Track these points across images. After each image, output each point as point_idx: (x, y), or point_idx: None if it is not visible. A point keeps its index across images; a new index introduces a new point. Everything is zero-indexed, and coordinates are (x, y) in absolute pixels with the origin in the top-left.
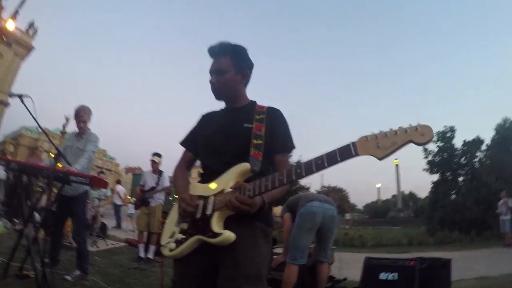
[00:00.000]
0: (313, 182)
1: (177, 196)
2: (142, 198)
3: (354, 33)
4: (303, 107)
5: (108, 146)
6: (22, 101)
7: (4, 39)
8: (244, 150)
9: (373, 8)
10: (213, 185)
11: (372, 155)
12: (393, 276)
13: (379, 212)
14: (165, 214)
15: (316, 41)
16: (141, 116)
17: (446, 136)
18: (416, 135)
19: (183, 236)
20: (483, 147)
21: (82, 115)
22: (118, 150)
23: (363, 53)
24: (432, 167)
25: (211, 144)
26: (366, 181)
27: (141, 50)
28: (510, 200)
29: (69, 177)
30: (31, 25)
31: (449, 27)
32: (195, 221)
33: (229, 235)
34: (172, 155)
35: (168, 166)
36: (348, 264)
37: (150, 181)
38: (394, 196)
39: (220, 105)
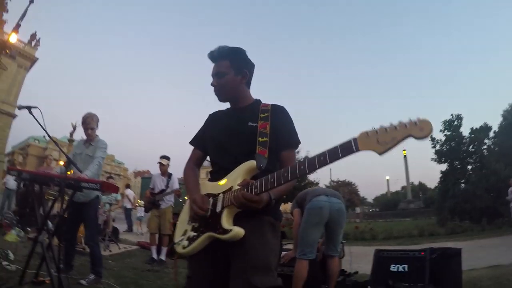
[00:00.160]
0: (322, 177)
1: (189, 196)
2: (152, 201)
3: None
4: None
5: (116, 151)
6: (31, 113)
7: (8, 52)
8: (251, 148)
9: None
10: (222, 182)
11: (372, 150)
12: (403, 267)
13: (389, 204)
14: (175, 215)
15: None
16: (148, 120)
17: (453, 124)
18: (415, 129)
19: (195, 234)
20: (491, 134)
21: (89, 122)
22: (126, 154)
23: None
24: (440, 156)
25: (218, 143)
26: (375, 174)
27: (148, 54)
28: None
29: (81, 184)
30: (33, 36)
31: (452, 14)
32: (205, 218)
33: (238, 231)
34: (180, 157)
35: (177, 169)
36: (359, 258)
37: (159, 184)
38: (403, 187)
39: (227, 105)
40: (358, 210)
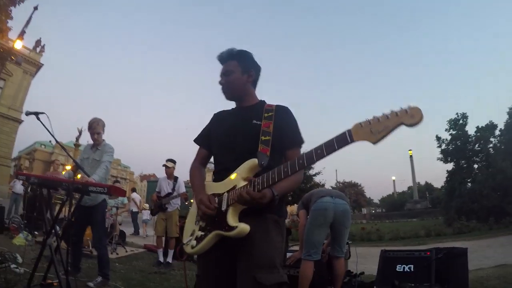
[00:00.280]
0: (328, 179)
1: (195, 196)
2: (159, 204)
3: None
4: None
5: (122, 155)
6: (38, 119)
7: (13, 58)
8: (254, 146)
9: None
10: (226, 181)
11: (366, 140)
12: (409, 267)
13: (395, 205)
14: (182, 218)
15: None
16: (154, 124)
17: (459, 123)
18: (406, 117)
19: (203, 233)
20: (497, 132)
21: (95, 127)
22: (132, 158)
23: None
24: (446, 156)
25: (223, 141)
26: (381, 175)
27: (155, 58)
28: None
29: (88, 188)
30: (38, 42)
31: (459, 12)
32: (212, 217)
33: (244, 227)
34: (186, 161)
35: (182, 172)
36: (365, 258)
37: (165, 187)
38: (410, 188)
39: (231, 105)
40: (364, 211)
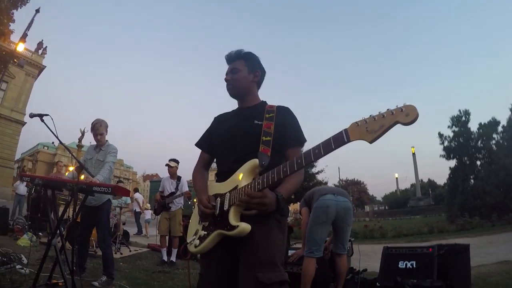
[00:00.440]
0: (330, 177)
1: (197, 198)
2: (162, 203)
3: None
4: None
5: (124, 156)
6: (42, 120)
7: (16, 61)
8: (255, 147)
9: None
10: (228, 181)
11: (363, 139)
12: (412, 264)
13: (398, 202)
14: (185, 218)
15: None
16: (157, 124)
17: (461, 120)
18: (401, 115)
19: (205, 232)
20: (499, 128)
21: (98, 128)
22: (135, 159)
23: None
24: (449, 153)
25: (224, 142)
26: (384, 172)
27: (157, 58)
28: None
29: (92, 188)
30: (40, 44)
31: (459, 7)
32: (214, 217)
33: (245, 226)
34: (189, 160)
35: (186, 172)
36: (368, 256)
37: (168, 186)
38: (412, 185)
39: (232, 107)
40: (367, 208)
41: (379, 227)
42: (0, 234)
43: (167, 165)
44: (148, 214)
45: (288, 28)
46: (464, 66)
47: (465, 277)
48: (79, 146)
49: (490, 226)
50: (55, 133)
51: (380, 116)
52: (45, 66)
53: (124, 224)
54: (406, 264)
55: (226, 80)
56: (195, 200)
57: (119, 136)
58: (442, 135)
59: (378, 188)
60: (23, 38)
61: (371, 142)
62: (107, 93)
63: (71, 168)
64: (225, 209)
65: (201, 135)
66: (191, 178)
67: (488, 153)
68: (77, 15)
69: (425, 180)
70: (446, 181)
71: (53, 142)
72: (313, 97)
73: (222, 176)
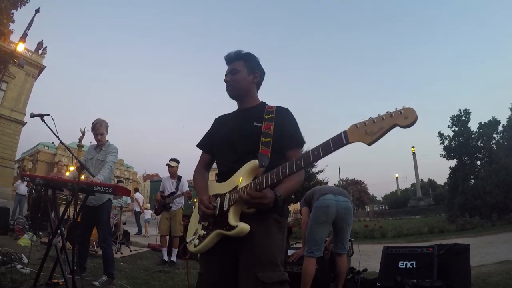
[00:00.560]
0: (331, 176)
1: (197, 198)
2: (163, 203)
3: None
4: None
5: (124, 156)
6: (43, 120)
7: (16, 61)
8: (254, 148)
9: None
10: (228, 182)
11: (361, 142)
12: (411, 263)
13: (398, 202)
14: (185, 217)
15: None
16: (156, 124)
17: (461, 120)
18: (400, 118)
19: (205, 232)
20: (500, 128)
21: (98, 128)
22: (135, 158)
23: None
24: (449, 152)
25: (225, 143)
26: (384, 172)
27: (156, 58)
28: None
29: (93, 188)
30: (40, 44)
31: (458, 7)
32: (214, 217)
33: (244, 227)
34: (189, 160)
35: (186, 171)
36: (368, 256)
37: (169, 186)
38: (413, 185)
39: (232, 109)
40: (367, 208)
41: (379, 227)
42: (0, 233)
43: (167, 165)
44: (148, 214)
45: (288, 28)
46: (464, 65)
47: (465, 277)
48: (80, 146)
49: (490, 226)
50: (55, 133)
51: (379, 118)
52: (45, 66)
53: (124, 224)
54: (406, 264)
55: (225, 81)
56: (195, 200)
57: (119, 136)
58: (442, 134)
59: (378, 188)
60: (23, 38)
61: (369, 144)
62: (107, 92)
63: (71, 168)
64: (224, 209)
65: (201, 135)
66: (191, 178)
67: (488, 153)
68: (77, 14)
69: (426, 180)
70: (446, 181)
71: (53, 142)
72: (313, 97)
73: (222, 176)
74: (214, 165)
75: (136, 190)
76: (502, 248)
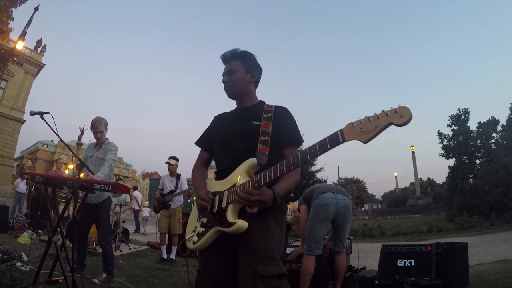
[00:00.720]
0: (330, 175)
1: (195, 194)
2: (162, 201)
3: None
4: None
5: (124, 154)
6: (43, 118)
7: (15, 59)
8: (253, 146)
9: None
10: (226, 179)
11: (357, 140)
12: (410, 262)
13: (397, 201)
14: (185, 215)
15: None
16: (155, 122)
17: (460, 119)
18: (395, 117)
19: (204, 229)
20: (499, 127)
21: (97, 126)
22: (134, 157)
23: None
24: (448, 151)
25: (223, 141)
26: (383, 171)
27: (155, 56)
28: None
29: (93, 186)
30: (39, 42)
31: (458, 8)
32: (213, 214)
33: (242, 223)
34: (188, 159)
35: (185, 170)
36: (367, 254)
37: (168, 184)
38: (412, 184)
39: (231, 107)
40: (366, 207)
41: (378, 226)
42: (0, 232)
43: (167, 163)
44: (146, 212)
45: (288, 28)
46: (464, 65)
47: (463, 276)
48: (79, 144)
49: (489, 225)
50: (55, 131)
51: (374, 117)
52: (44, 64)
53: (124, 222)
54: (404, 262)
55: (223, 81)
56: (194, 198)
57: (118, 134)
58: (442, 133)
59: (378, 187)
60: (22, 36)
61: (365, 143)
62: (106, 91)
63: (70, 166)
64: (223, 206)
65: (199, 133)
66: (190, 176)
67: (487, 152)
68: (77, 12)
69: (425, 179)
70: (445, 180)
71: (52, 140)
72: (312, 97)
73: (221, 174)
74: (213, 163)
75: (135, 188)
76: (501, 247)
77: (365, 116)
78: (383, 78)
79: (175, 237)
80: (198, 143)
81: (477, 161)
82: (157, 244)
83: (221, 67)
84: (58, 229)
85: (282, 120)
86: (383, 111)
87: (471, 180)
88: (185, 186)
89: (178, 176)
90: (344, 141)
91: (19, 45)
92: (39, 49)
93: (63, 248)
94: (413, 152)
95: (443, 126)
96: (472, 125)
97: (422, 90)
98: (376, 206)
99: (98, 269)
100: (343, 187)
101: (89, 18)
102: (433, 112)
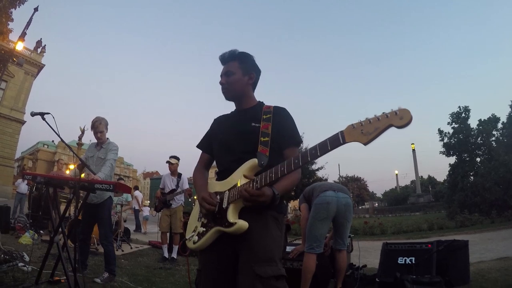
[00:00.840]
0: (331, 173)
1: (197, 195)
2: (163, 200)
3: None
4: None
5: (124, 153)
6: (44, 119)
7: (15, 60)
8: (253, 147)
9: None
10: (227, 180)
11: (357, 141)
12: (411, 259)
13: (398, 199)
14: (186, 214)
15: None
16: (155, 121)
17: (461, 116)
18: (395, 119)
19: (204, 229)
20: (499, 125)
21: (97, 126)
22: (135, 156)
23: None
24: (449, 149)
25: (223, 143)
26: (384, 169)
27: (155, 57)
28: None
29: (94, 185)
30: (39, 43)
31: (459, 7)
32: (213, 214)
33: (242, 224)
34: (188, 158)
35: (186, 169)
36: (368, 252)
37: (169, 183)
38: (412, 181)
39: (230, 108)
40: (367, 205)
41: (379, 224)
42: (1, 232)
43: (168, 162)
44: (146, 211)
45: (288, 28)
46: (464, 64)
47: (464, 273)
48: (79, 144)
49: (489, 222)
50: (57, 131)
51: (375, 119)
52: (44, 65)
53: (125, 221)
54: (405, 260)
55: (220, 83)
56: (195, 197)
57: (119, 134)
58: (442, 131)
59: (378, 185)
60: (22, 36)
61: (365, 144)
62: (106, 91)
63: (71, 167)
64: (224, 206)
65: (200, 133)
66: (191, 176)
67: (487, 150)
68: (76, 12)
69: (425, 176)
70: (446, 178)
71: (53, 141)
72: (312, 96)
73: (221, 175)
74: (215, 163)
75: (136, 188)
76: (501, 244)
77: (366, 118)
78: (383, 77)
79: (176, 236)
80: (199, 145)
81: (478, 159)
82: (158, 244)
83: (221, 67)
84: (60, 229)
85: (281, 121)
86: (383, 113)
87: (472, 178)
88: (186, 185)
89: (179, 175)
90: (344, 142)
91: (19, 46)
92: (39, 50)
93: (65, 248)
94: (413, 150)
95: (443, 124)
96: (473, 123)
97: (423, 89)
98: (376, 204)
99: (100, 268)
100: (344, 186)
101: (89, 18)
102: (433, 110)
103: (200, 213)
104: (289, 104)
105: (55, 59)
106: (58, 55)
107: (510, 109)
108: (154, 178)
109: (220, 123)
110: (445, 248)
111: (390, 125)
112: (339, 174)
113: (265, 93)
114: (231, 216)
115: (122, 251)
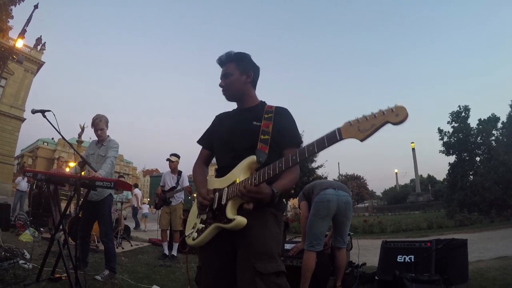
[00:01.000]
0: (330, 171)
1: (196, 191)
2: (163, 198)
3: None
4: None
5: (124, 151)
6: (45, 116)
7: (15, 57)
8: (253, 145)
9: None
10: (226, 177)
11: (354, 138)
12: (410, 258)
13: (398, 197)
14: (185, 212)
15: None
16: (156, 119)
17: (461, 116)
18: (391, 116)
19: (203, 226)
20: (499, 124)
21: (98, 123)
22: (135, 154)
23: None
24: (448, 148)
25: (224, 141)
26: (384, 167)
27: (155, 54)
28: None
29: (95, 183)
30: (38, 40)
31: (459, 6)
32: (213, 211)
33: (241, 220)
34: (188, 156)
35: (186, 167)
36: (367, 250)
37: (169, 181)
38: (412, 180)
39: (231, 106)
40: (366, 203)
41: (378, 222)
42: (2, 230)
43: (168, 159)
44: (146, 209)
45: (288, 28)
46: (464, 63)
47: (463, 272)
48: (79, 141)
49: (488, 222)
50: (57, 129)
51: (371, 116)
52: (44, 62)
53: (125, 219)
54: (404, 258)
55: (220, 86)
56: (195, 195)
57: (119, 131)
58: (442, 130)
59: (378, 184)
60: (22, 34)
61: (362, 141)
62: (106, 89)
63: (71, 164)
64: (222, 203)
65: (200, 131)
66: (191, 173)
67: (487, 149)
68: (76, 11)
69: (425, 175)
70: (445, 177)
71: (53, 138)
72: (312, 96)
73: (221, 171)
74: (214, 160)
75: (136, 185)
76: (500, 244)
77: (362, 115)
78: (383, 77)
79: (176, 234)
80: (199, 141)
81: (477, 158)
82: (158, 241)
83: (221, 69)
84: (61, 227)
85: (283, 121)
86: (380, 110)
87: (471, 177)
88: (186, 183)
89: (179, 173)
90: (341, 139)
91: (19, 43)
92: (39, 47)
93: (65, 245)
94: (413, 149)
95: (443, 123)
96: (473, 122)
97: (423, 88)
98: (376, 203)
99: (100, 266)
100: (344, 184)
101: (89, 18)
102: (433, 109)
103: (198, 211)
104: (289, 104)
105: (55, 56)
106: (58, 53)
107: (510, 109)
108: (154, 176)
109: (221, 120)
110: (444, 247)
111: (386, 122)
112: (339, 173)
113: (265, 93)
114: (230, 212)
115: (123, 248)
